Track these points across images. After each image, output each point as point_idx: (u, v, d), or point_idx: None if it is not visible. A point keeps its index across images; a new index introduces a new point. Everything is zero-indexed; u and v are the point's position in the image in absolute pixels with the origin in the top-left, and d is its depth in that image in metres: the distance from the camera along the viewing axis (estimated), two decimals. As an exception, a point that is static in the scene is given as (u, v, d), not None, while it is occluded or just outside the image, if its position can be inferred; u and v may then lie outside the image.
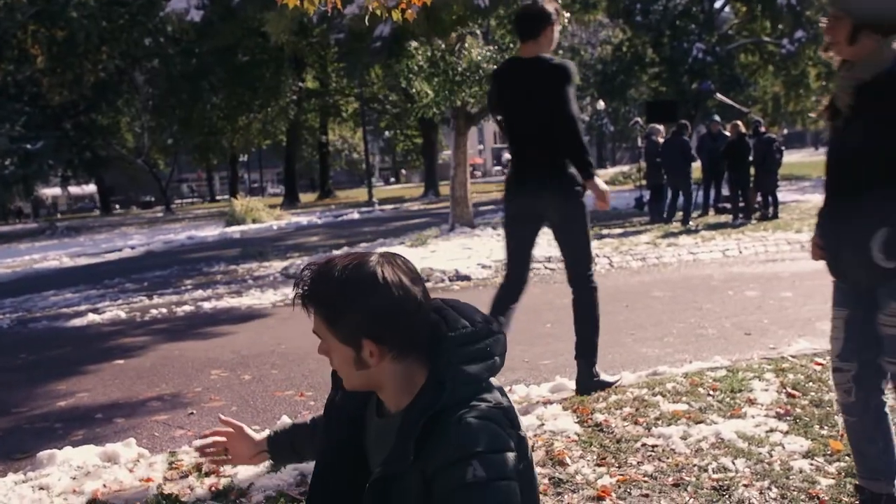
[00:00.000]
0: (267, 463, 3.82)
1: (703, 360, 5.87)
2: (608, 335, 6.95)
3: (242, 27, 27.04)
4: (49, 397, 6.09)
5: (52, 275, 16.01)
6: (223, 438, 2.19)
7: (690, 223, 15.69)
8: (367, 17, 5.08)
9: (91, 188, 63.94)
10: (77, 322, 9.63)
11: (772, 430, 3.92)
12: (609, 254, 11.98)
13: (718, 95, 19.23)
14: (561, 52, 34.38)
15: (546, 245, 12.81)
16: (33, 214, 54.42)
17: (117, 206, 60.69)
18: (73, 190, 64.83)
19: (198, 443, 2.23)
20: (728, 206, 17.20)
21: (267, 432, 2.22)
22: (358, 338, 1.72)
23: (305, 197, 49.86)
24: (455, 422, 1.67)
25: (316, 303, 1.73)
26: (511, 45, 15.17)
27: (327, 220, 26.97)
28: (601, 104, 44.84)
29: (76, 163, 41.11)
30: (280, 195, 52.46)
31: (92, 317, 9.80)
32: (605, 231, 15.30)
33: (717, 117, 18.15)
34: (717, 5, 38.72)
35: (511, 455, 1.69)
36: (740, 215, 16.03)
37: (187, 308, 9.97)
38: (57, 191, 62.58)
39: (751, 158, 15.94)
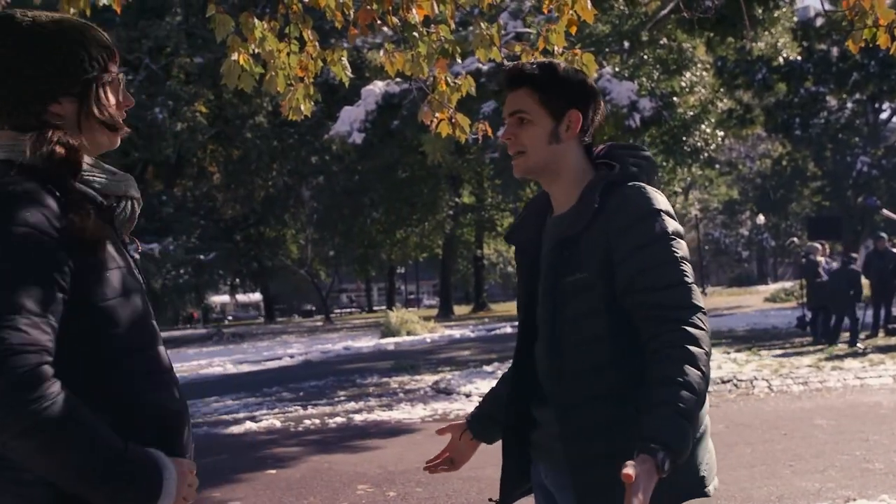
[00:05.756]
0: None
1: (869, 497, 5.52)
2: (764, 465, 6.65)
3: (401, 147, 28.16)
4: (205, 505, 6.33)
5: (215, 381, 16.74)
6: (447, 454, 2.49)
7: (858, 345, 14.90)
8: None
9: (256, 296, 66.86)
10: (235, 429, 10.00)
11: (941, 583, 3.63)
12: (768, 376, 11.50)
13: (885, 211, 18.45)
14: (718, 166, 33.99)
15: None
16: (203, 320, 57.30)
17: (280, 315, 62.98)
18: (240, 298, 68.04)
19: (428, 466, 2.54)
20: (899, 327, 16.25)
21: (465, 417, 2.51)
22: (565, 108, 2.05)
23: (460, 309, 50.39)
24: (636, 188, 1.99)
25: (537, 77, 2.06)
26: (664, 164, 15.16)
27: (480, 334, 27.13)
28: (761, 219, 43.75)
29: (244, 272, 43.37)
30: (435, 307, 53.26)
31: (249, 425, 10.16)
32: (763, 352, 14.72)
33: (883, 234, 17.35)
34: (883, 116, 37.48)
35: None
36: (913, 338, 15.11)
37: (339, 420, 10.20)
38: (225, 298, 65.90)
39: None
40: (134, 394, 1.59)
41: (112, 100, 1.72)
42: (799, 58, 26.89)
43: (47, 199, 1.54)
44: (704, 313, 1.92)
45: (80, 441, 1.43)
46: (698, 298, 1.92)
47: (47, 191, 1.55)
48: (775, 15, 19.51)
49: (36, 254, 1.49)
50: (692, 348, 1.84)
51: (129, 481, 1.48)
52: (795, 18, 23.19)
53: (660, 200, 1.98)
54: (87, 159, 1.66)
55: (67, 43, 1.66)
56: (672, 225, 1.96)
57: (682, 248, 1.96)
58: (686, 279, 1.92)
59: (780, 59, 23.31)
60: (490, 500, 2.31)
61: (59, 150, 1.59)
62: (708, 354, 1.86)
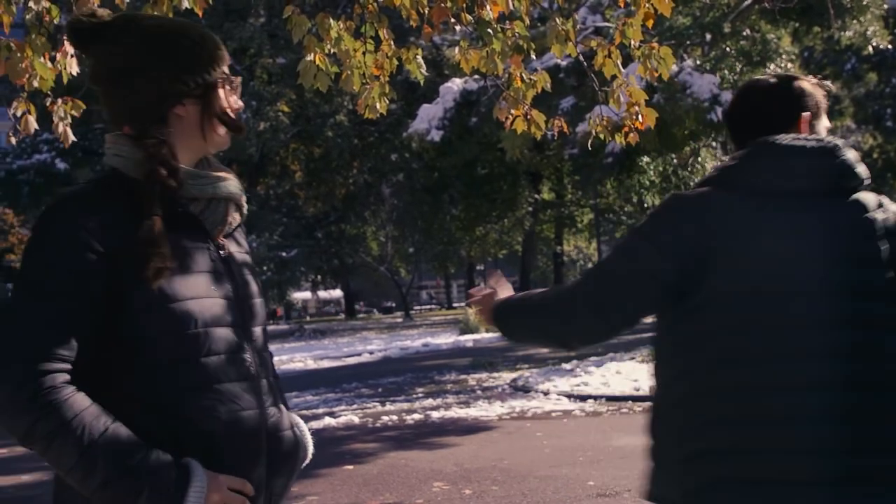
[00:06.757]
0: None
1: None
2: None
3: (480, 144, 28.15)
4: (283, 499, 6.42)
5: (296, 376, 16.99)
6: None
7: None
8: (590, 142, 5.18)
9: (338, 293, 67.73)
10: (314, 425, 10.11)
11: None
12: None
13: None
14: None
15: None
16: (285, 317, 58.24)
17: (361, 309, 63.59)
18: (322, 294, 69.00)
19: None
20: None
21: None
22: None
23: (539, 306, 50.14)
24: None
25: None
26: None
27: (559, 331, 26.96)
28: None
29: (325, 269, 44.00)
30: (514, 303, 53.14)
31: (328, 420, 10.28)
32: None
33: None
34: (983, 108, 35.93)
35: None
36: None
37: (416, 416, 10.25)
38: (307, 295, 66.90)
39: None
40: (167, 406, 1.56)
41: (231, 101, 1.74)
42: (890, 46, 25.94)
43: (104, 208, 1.56)
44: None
45: (73, 449, 1.45)
46: None
47: (112, 199, 1.58)
48: (864, 2, 18.88)
49: (64, 264, 1.51)
50: None
51: (138, 489, 1.47)
52: (886, 5, 22.36)
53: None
54: (186, 167, 1.67)
55: (190, 45, 1.67)
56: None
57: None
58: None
59: (870, 48, 22.53)
60: None
61: (161, 170, 1.59)
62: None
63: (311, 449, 1.83)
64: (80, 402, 1.48)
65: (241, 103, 1.78)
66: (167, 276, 1.55)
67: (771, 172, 1.84)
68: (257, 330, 1.75)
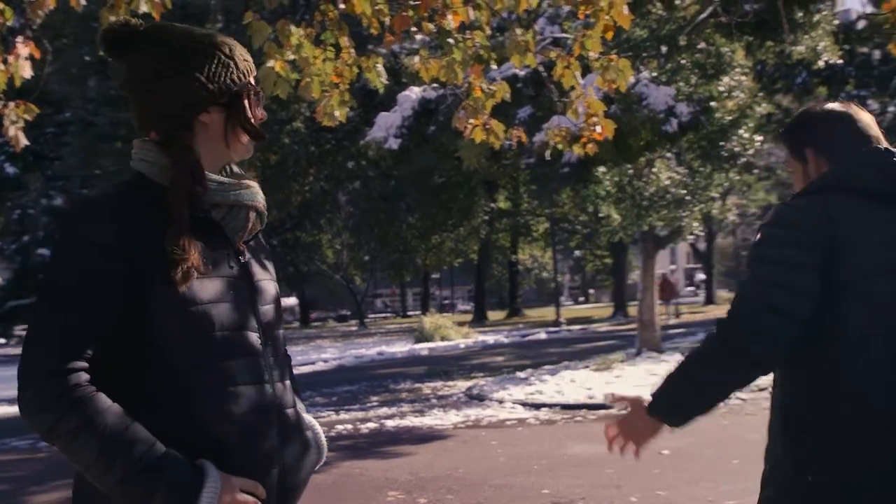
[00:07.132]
0: None
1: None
2: None
3: (437, 152, 28.20)
4: (237, 509, 6.35)
5: (250, 385, 16.81)
6: None
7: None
8: (548, 153, 5.21)
9: (292, 301, 67.34)
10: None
11: None
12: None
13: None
14: (756, 171, 33.49)
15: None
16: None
17: (313, 319, 63.25)
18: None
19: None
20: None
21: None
22: (802, 150, 2.24)
23: (494, 315, 50.35)
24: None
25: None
26: (701, 169, 15.01)
27: (514, 340, 27.03)
28: None
29: (280, 277, 43.69)
30: (470, 312, 53.29)
31: (283, 429, 10.18)
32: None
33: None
34: (928, 124, 36.80)
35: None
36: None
37: (371, 425, 10.21)
38: (262, 303, 66.35)
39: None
40: (182, 408, 1.58)
41: (255, 111, 1.77)
42: (840, 61, 26.47)
43: (129, 212, 1.60)
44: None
45: (94, 445, 1.49)
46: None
47: (138, 204, 1.62)
48: (815, 18, 19.24)
49: (89, 266, 1.55)
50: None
51: (153, 487, 1.50)
52: (836, 21, 22.81)
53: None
54: (210, 174, 1.70)
55: (217, 54, 1.71)
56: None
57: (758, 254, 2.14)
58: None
59: (821, 63, 22.95)
60: None
61: (187, 176, 1.63)
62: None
63: (325, 451, 1.86)
64: (101, 400, 1.52)
65: (265, 113, 1.80)
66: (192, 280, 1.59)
67: (883, 173, 2.12)
68: (274, 334, 1.78)
